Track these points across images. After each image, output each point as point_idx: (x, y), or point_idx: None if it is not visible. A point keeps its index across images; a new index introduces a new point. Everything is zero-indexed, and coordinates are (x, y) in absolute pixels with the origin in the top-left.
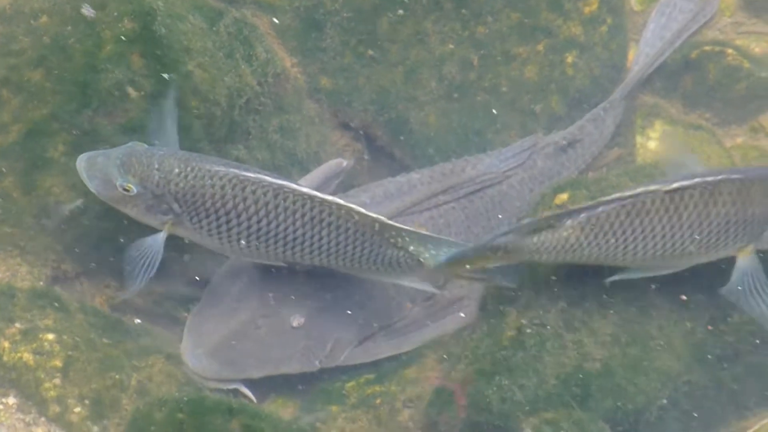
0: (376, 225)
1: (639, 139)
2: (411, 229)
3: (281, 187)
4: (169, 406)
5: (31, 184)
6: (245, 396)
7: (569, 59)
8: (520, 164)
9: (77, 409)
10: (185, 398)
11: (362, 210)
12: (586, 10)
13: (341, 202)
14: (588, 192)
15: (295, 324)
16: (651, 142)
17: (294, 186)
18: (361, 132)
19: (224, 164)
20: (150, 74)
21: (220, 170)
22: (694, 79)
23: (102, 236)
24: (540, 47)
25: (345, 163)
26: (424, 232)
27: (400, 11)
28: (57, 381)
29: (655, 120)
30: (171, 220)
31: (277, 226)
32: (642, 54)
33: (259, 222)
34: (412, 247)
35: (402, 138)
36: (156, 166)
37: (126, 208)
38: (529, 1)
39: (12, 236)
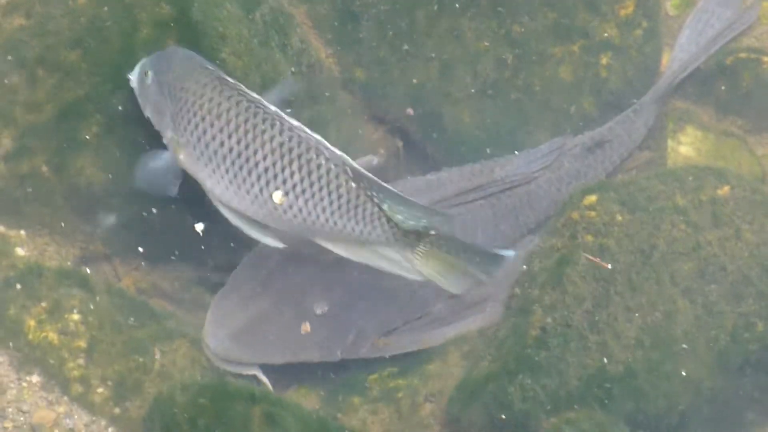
0: (348, 169)
1: (670, 143)
2: (386, 185)
3: (256, 101)
4: (191, 391)
5: (63, 164)
6: (262, 383)
7: (604, 61)
8: (548, 165)
9: (100, 390)
10: (208, 383)
11: (334, 149)
12: (622, 12)
13: (311, 133)
14: (617, 194)
15: (318, 312)
16: (682, 147)
17: (267, 105)
18: (396, 126)
19: (219, 70)
20: None
21: (209, 69)
22: (728, 85)
23: (131, 218)
24: (575, 48)
25: (376, 160)
26: (399, 192)
27: (436, 6)
28: (81, 361)
29: (687, 125)
30: (171, 129)
31: (247, 147)
32: (676, 59)
33: (229, 138)
34: (386, 206)
35: (435, 135)
36: (171, 58)
37: (145, 104)
38: (566, 2)
39: (41, 215)
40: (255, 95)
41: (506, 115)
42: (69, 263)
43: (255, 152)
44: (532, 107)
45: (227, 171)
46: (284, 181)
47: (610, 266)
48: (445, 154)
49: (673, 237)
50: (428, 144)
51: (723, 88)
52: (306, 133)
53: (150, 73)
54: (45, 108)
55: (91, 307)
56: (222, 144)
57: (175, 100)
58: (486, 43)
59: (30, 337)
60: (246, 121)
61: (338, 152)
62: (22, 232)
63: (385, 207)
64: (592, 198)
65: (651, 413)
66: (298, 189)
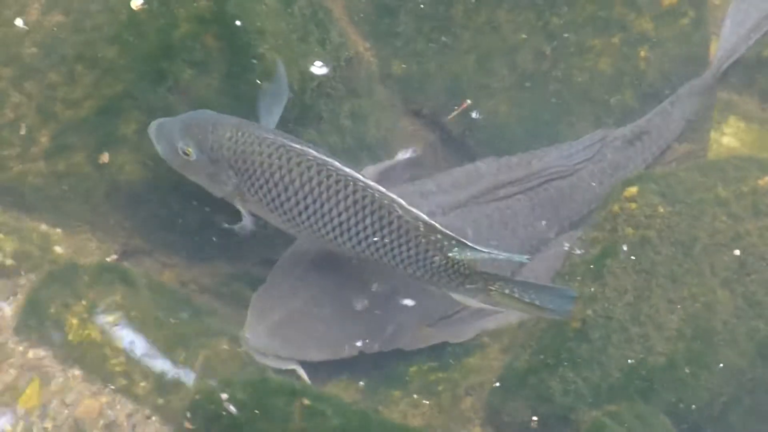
0: (421, 225)
1: (712, 134)
2: (455, 236)
3: (325, 163)
4: (232, 386)
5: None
6: (301, 377)
7: (644, 52)
8: (588, 157)
9: (143, 384)
10: (248, 378)
11: (407, 205)
12: (666, 2)
13: (384, 191)
14: (657, 186)
15: (359, 307)
16: (725, 138)
17: (337, 164)
18: (433, 119)
19: (274, 133)
20: (223, 55)
21: (269, 137)
22: None
23: (172, 213)
24: (615, 39)
25: (414, 153)
26: (467, 242)
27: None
28: (123, 358)
29: (730, 115)
30: (234, 190)
31: (322, 205)
32: (720, 49)
33: (305, 198)
34: (456, 254)
35: (472, 127)
36: (211, 130)
37: (192, 175)
38: None
39: (82, 212)
40: (318, 154)
41: (545, 107)
42: (109, 260)
43: (330, 210)
44: (571, 100)
45: (303, 224)
46: (358, 234)
47: (469, 102)
48: (482, 146)
49: (714, 228)
50: (466, 136)
51: (765, 78)
52: (380, 191)
53: (193, 151)
54: (84, 104)
55: (133, 302)
56: (297, 203)
57: (241, 172)
58: (524, 35)
59: (71, 336)
60: (320, 184)
61: (412, 209)
62: (60, 230)
63: (456, 255)
64: (633, 190)
65: (692, 405)
66: (371, 240)
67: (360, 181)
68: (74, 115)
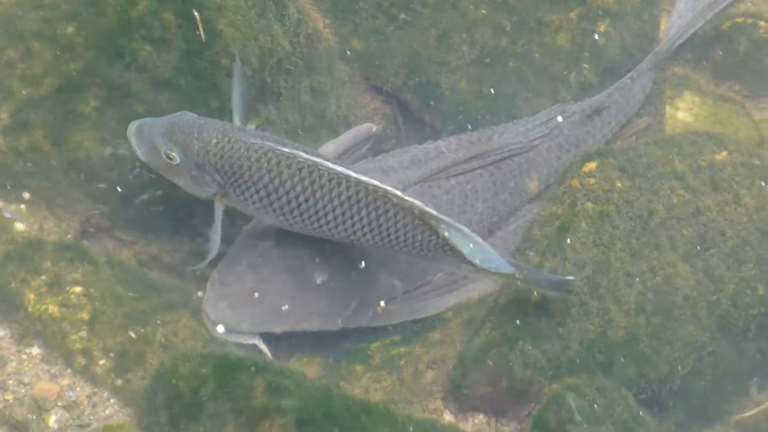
0: (415, 210)
1: (668, 109)
2: (449, 219)
3: (315, 164)
4: (193, 361)
5: (62, 138)
6: (263, 352)
7: (601, 28)
8: (547, 132)
9: (102, 362)
10: (210, 354)
11: (399, 193)
12: None
13: (377, 183)
14: (616, 161)
15: (318, 281)
16: (680, 113)
17: (328, 164)
18: (392, 96)
19: (261, 137)
20: (182, 32)
21: (256, 143)
22: (725, 50)
23: (130, 191)
24: (572, 15)
25: (374, 128)
26: (462, 226)
27: None
28: (83, 333)
29: (685, 90)
30: (217, 191)
31: (315, 203)
32: (673, 25)
33: (297, 198)
34: (449, 237)
35: (432, 103)
36: (196, 135)
37: (174, 177)
38: None
39: (41, 189)
40: (307, 155)
41: (504, 82)
42: (69, 236)
43: (324, 206)
44: (530, 75)
45: (295, 220)
46: (353, 225)
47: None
48: (442, 122)
49: (672, 203)
50: (426, 113)
51: (720, 53)
52: (374, 184)
53: (176, 155)
54: (43, 82)
55: (93, 279)
56: (289, 202)
57: (228, 176)
58: (483, 11)
59: (30, 310)
60: (312, 183)
61: (406, 197)
62: (22, 206)
63: (450, 238)
64: (592, 165)
65: (653, 378)
66: (367, 229)
67: (353, 177)
68: (33, 93)
